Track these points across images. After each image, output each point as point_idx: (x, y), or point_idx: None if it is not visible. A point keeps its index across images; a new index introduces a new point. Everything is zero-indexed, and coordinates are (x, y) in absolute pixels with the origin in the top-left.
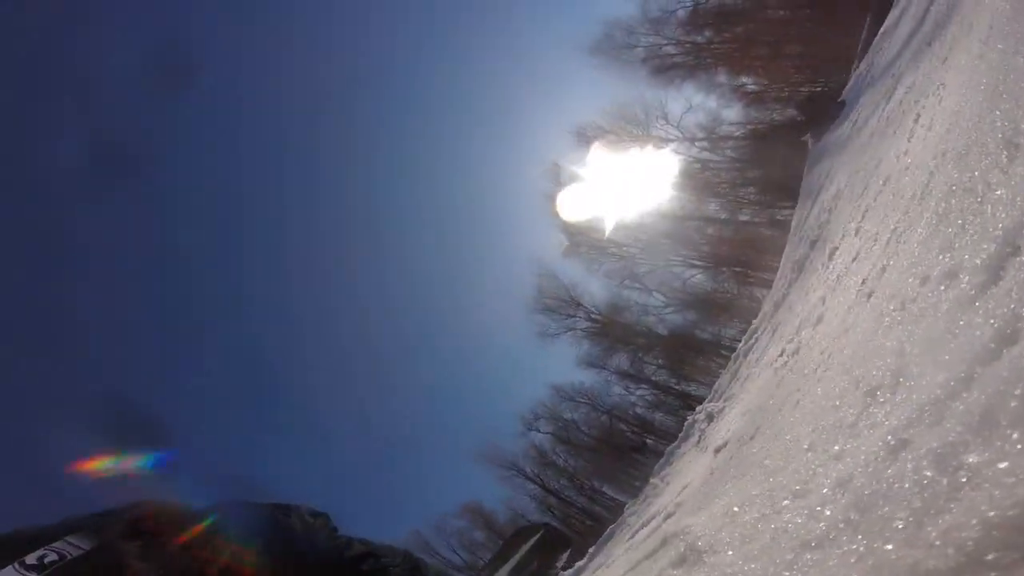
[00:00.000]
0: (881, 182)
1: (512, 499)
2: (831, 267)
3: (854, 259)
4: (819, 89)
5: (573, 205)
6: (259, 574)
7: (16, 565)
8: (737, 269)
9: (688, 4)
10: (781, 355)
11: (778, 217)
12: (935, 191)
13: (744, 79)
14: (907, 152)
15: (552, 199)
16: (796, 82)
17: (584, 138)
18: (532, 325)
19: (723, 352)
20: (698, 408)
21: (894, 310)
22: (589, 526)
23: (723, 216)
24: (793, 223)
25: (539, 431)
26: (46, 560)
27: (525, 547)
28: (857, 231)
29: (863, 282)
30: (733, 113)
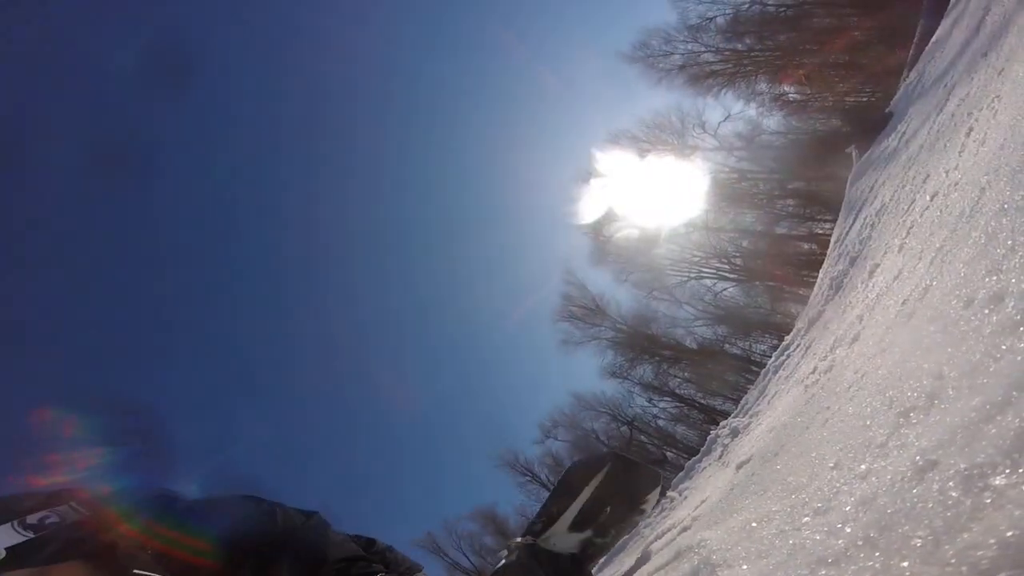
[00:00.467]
0: (928, 198)
1: (526, 505)
2: (871, 285)
3: (896, 278)
4: (865, 99)
5: (604, 213)
6: (234, 568)
7: (15, 523)
8: (771, 283)
9: (728, 11)
10: (813, 372)
11: (817, 231)
12: (985, 209)
13: (786, 88)
14: (957, 167)
15: (583, 206)
16: (841, 92)
17: (618, 146)
18: (557, 333)
19: (753, 368)
20: (722, 423)
21: (934, 331)
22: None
23: (759, 228)
24: (833, 238)
25: (557, 439)
26: (46, 521)
27: (588, 489)
28: (901, 248)
29: (904, 302)
30: (773, 122)
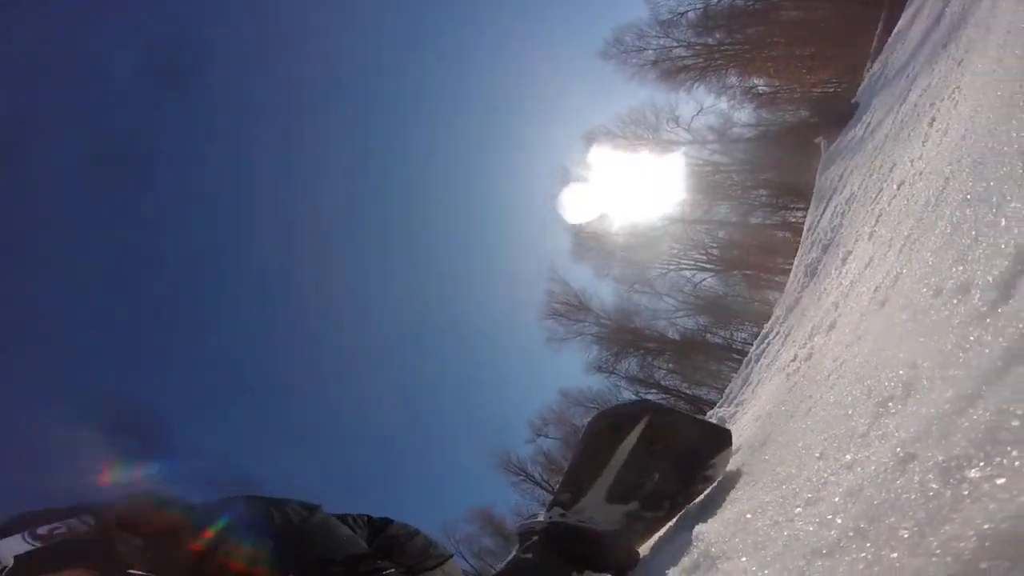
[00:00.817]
0: (895, 187)
1: (521, 505)
2: (844, 272)
3: (867, 265)
4: (832, 90)
5: (584, 209)
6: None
7: (26, 534)
8: (748, 272)
9: (698, 6)
10: (793, 360)
11: (790, 219)
12: (950, 199)
13: (755, 81)
14: (922, 156)
15: (563, 203)
16: (808, 83)
17: (595, 142)
18: (542, 330)
19: (735, 356)
20: (708, 413)
21: (906, 320)
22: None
23: (734, 219)
24: (805, 226)
25: (548, 436)
26: (55, 532)
27: (621, 452)
28: (871, 236)
29: (876, 289)
30: (744, 115)
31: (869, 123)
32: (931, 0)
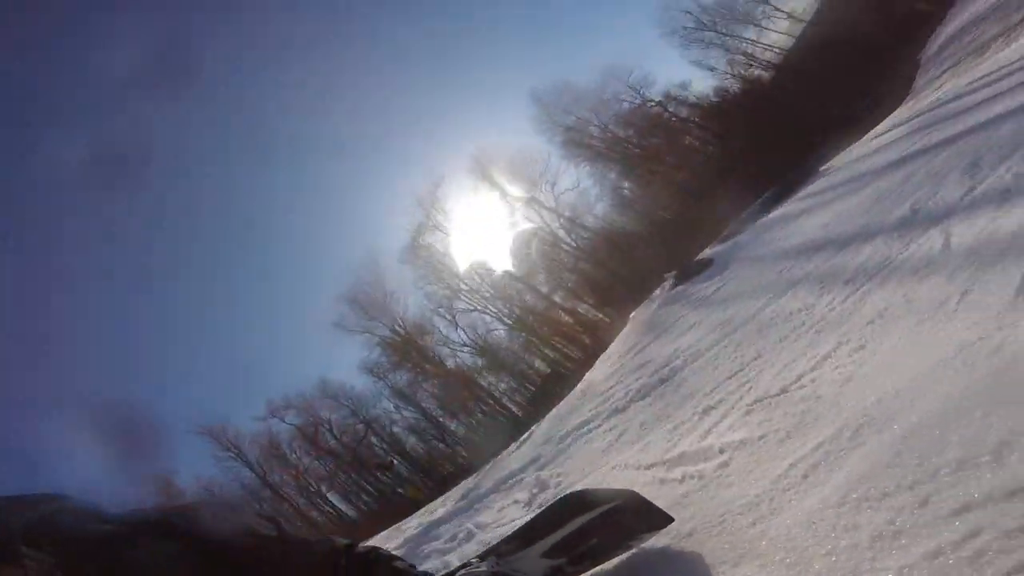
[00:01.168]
0: (778, 388)
1: (218, 481)
2: (709, 424)
3: (761, 438)
4: (675, 219)
5: (434, 220)
6: None
7: None
8: (531, 338)
9: (637, 101)
10: (653, 466)
11: (579, 309)
12: (868, 451)
13: (627, 184)
14: (814, 380)
15: (420, 206)
16: (667, 209)
17: (477, 165)
18: (334, 313)
19: (490, 401)
20: (517, 470)
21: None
22: (299, 528)
23: (543, 290)
24: (626, 343)
25: (283, 420)
26: None
27: (580, 519)
28: (748, 412)
29: (791, 465)
30: (600, 208)
31: (719, 288)
32: (858, 206)
